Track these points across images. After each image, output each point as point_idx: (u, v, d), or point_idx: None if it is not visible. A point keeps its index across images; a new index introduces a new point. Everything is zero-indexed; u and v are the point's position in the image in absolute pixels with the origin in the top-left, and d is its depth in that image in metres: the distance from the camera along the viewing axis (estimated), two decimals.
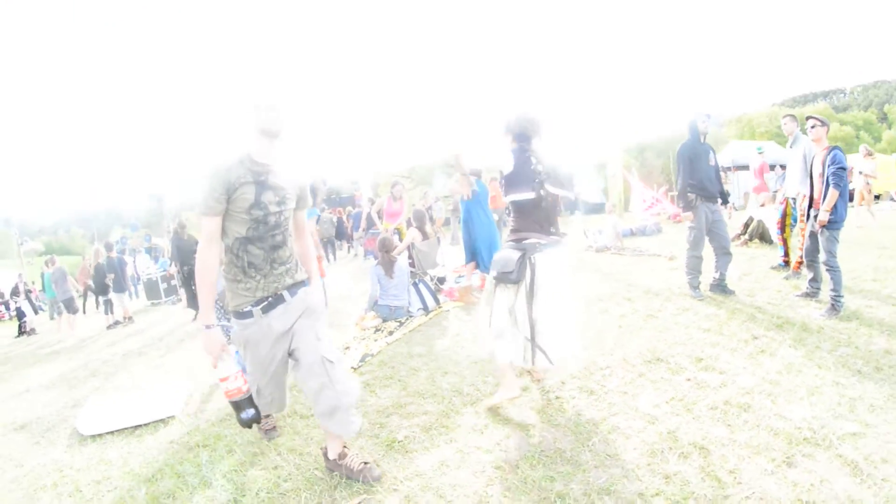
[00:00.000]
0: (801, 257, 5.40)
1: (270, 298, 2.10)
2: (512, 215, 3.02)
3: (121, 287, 9.66)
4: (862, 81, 77.66)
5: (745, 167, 19.42)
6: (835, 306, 4.09)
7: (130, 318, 9.54)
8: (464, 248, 6.39)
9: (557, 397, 3.05)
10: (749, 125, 47.01)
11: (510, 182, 2.94)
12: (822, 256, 4.28)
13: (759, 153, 10.07)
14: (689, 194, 4.96)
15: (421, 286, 5.90)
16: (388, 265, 5.48)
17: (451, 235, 12.51)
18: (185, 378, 4.60)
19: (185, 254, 8.38)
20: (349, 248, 16.28)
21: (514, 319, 2.82)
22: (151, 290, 12.58)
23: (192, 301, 8.50)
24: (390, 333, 4.95)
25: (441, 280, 6.78)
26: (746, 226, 8.66)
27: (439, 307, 5.84)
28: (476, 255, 6.15)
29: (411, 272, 6.01)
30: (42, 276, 12.54)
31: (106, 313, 9.63)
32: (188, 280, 8.60)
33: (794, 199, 5.68)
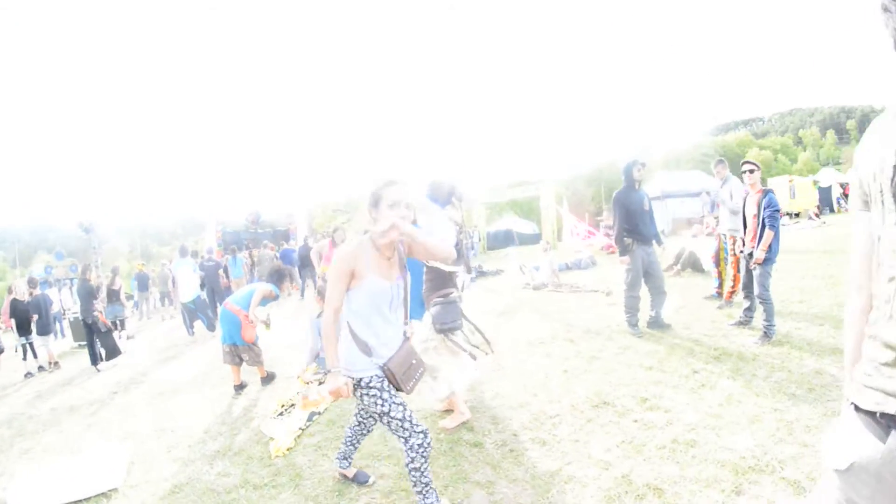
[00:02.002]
0: (733, 287, 5.88)
1: None
2: (431, 275, 3.34)
3: (45, 329, 8.87)
4: (779, 109, 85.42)
5: (672, 196, 21.24)
6: (767, 333, 4.45)
7: (56, 363, 8.84)
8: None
9: (511, 450, 3.03)
10: (674, 154, 50.09)
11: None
12: (756, 290, 4.60)
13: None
14: (625, 239, 5.28)
15: None
16: None
17: None
18: (122, 440, 4.23)
19: (88, 302, 8.23)
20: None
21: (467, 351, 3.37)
22: (78, 331, 11.67)
23: (93, 357, 8.12)
24: None
25: None
26: (678, 256, 9.21)
27: None
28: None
29: None
30: None
31: (24, 358, 8.76)
32: (90, 330, 8.27)
33: (725, 234, 6.17)
